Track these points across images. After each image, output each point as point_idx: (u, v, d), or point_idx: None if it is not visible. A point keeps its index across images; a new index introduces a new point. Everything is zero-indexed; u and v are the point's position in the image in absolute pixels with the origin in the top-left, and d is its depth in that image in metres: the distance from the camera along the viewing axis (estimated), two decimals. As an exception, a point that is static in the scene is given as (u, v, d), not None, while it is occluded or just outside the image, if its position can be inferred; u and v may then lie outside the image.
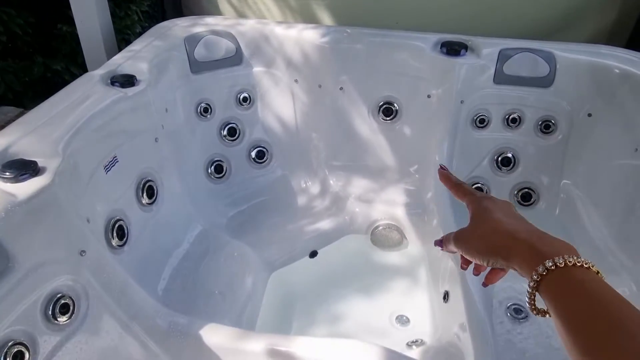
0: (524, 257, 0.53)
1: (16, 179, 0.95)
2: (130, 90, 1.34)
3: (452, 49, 1.73)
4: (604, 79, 1.67)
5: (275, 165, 1.94)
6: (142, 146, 1.40)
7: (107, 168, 1.25)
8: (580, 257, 0.50)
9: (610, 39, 1.91)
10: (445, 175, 0.72)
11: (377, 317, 1.55)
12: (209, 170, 1.84)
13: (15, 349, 0.88)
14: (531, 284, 0.50)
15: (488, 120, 1.81)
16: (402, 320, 1.54)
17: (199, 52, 1.73)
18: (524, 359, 1.22)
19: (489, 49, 1.74)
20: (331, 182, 1.89)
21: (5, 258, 0.88)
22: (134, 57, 1.49)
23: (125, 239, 1.30)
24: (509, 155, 1.84)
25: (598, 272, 0.49)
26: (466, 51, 1.75)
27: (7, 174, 0.95)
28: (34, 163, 0.99)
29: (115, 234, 1.26)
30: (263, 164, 1.93)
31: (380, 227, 1.77)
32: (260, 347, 1.08)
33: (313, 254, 1.69)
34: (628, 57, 1.67)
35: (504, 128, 1.82)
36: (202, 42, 1.73)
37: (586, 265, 0.49)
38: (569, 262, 0.49)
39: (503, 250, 0.56)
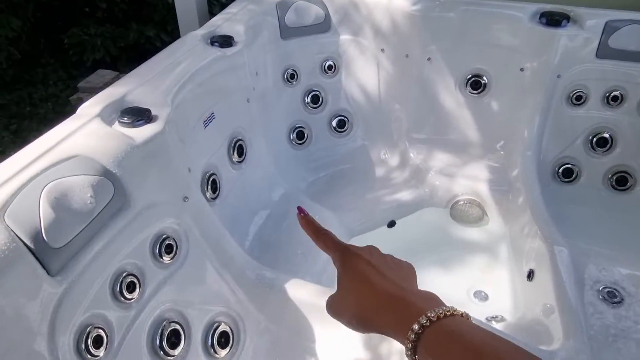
0: (395, 327, 0.48)
1: (133, 125, 1.02)
2: (228, 50, 1.39)
3: (553, 19, 1.64)
4: None
5: (355, 134, 1.95)
6: (236, 105, 1.46)
7: (206, 123, 1.31)
8: (444, 308, 0.46)
9: None
10: (306, 221, 0.61)
11: (455, 291, 1.53)
12: (291, 137, 1.88)
13: (129, 279, 0.96)
14: (407, 352, 0.46)
15: (586, 97, 1.70)
16: (481, 296, 1.51)
17: (290, 18, 1.75)
18: (617, 345, 1.16)
19: (593, 20, 1.63)
20: (411, 154, 1.87)
21: (123, 195, 0.95)
22: (231, 19, 1.54)
23: (217, 193, 1.37)
24: (606, 135, 1.72)
25: (462, 314, 0.46)
26: (568, 22, 1.65)
27: (125, 119, 1.02)
28: (148, 111, 1.05)
29: (209, 187, 1.33)
30: (344, 133, 1.94)
31: (461, 202, 1.73)
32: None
33: (391, 224, 1.69)
34: None
35: (602, 106, 1.71)
36: (293, 8, 1.75)
37: (449, 314, 0.46)
38: (433, 317, 0.45)
39: (374, 322, 0.51)
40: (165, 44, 2.79)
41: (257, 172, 1.58)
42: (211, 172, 1.35)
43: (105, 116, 1.02)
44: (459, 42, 1.76)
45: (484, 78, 1.79)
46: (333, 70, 1.89)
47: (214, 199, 1.35)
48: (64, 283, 0.80)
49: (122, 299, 0.94)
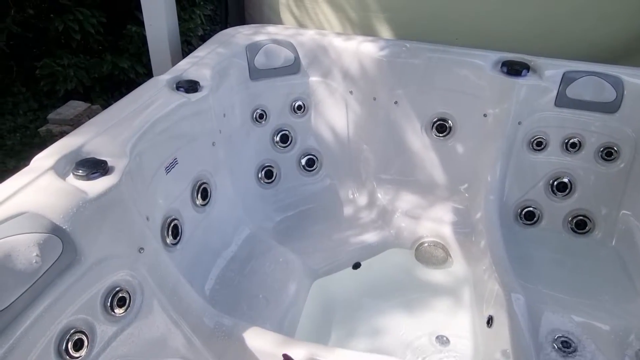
0: None
1: (88, 177, 1.02)
2: (193, 96, 1.40)
3: (513, 69, 1.70)
4: (675, 108, 1.59)
5: (324, 174, 1.97)
6: (200, 149, 1.46)
7: (168, 169, 1.31)
8: None
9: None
10: None
11: (417, 335, 1.54)
12: (259, 175, 1.89)
13: (76, 337, 0.94)
14: None
15: (546, 144, 1.76)
16: (442, 340, 1.52)
17: (259, 60, 1.78)
18: (569, 396, 1.18)
19: (552, 70, 1.69)
20: (379, 195, 1.89)
21: (73, 251, 0.94)
22: (199, 63, 1.56)
23: (178, 238, 1.36)
24: (566, 180, 1.77)
25: None
26: (528, 71, 1.71)
27: (80, 171, 1.02)
28: (104, 162, 1.05)
29: (170, 233, 1.32)
30: (312, 172, 1.96)
31: (426, 244, 1.75)
32: (300, 355, 1.10)
33: (356, 266, 1.70)
34: None
35: (562, 152, 1.76)
36: (263, 51, 1.78)
37: None
38: None
39: None
40: (139, 76, 2.81)
41: (222, 214, 1.58)
42: (173, 217, 1.34)
43: (59, 169, 1.02)
44: (424, 87, 1.81)
45: (449, 122, 1.83)
46: (302, 110, 1.92)
47: (175, 244, 1.35)
48: (3, 347, 0.79)
49: (68, 358, 0.92)
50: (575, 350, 1.28)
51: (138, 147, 1.17)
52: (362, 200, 1.91)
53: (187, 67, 1.53)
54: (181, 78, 1.46)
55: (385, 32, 1.98)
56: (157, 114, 1.27)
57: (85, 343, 0.96)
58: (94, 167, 1.03)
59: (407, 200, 1.86)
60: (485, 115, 1.78)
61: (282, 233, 1.76)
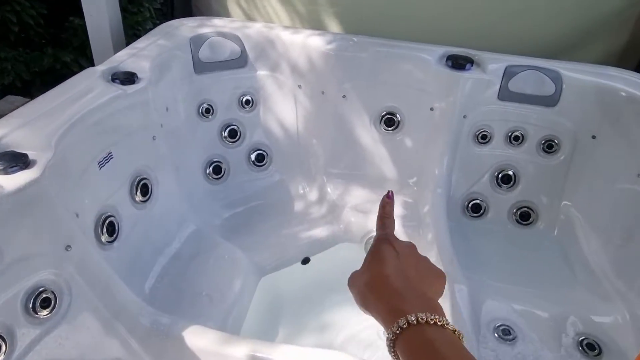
0: (385, 317, 0.53)
1: (5, 171, 0.95)
2: (129, 88, 1.34)
3: (458, 63, 1.72)
4: (610, 102, 1.65)
5: (274, 169, 1.94)
6: (139, 144, 1.41)
7: (101, 164, 1.25)
8: (437, 316, 0.49)
9: (621, 61, 1.88)
10: (384, 203, 0.65)
11: (365, 329, 1.54)
12: (207, 171, 1.84)
13: (-8, 341, 0.88)
14: (388, 343, 0.51)
15: (490, 137, 1.79)
16: (390, 333, 1.52)
17: (204, 53, 1.73)
18: (509, 382, 1.20)
19: (495, 64, 1.73)
20: (329, 189, 1.89)
21: (-12, 249, 0.88)
22: (137, 55, 1.50)
23: (115, 235, 1.30)
24: (510, 172, 1.82)
25: (455, 331, 0.49)
26: (472, 66, 1.74)
27: (-3, 165, 0.95)
28: (25, 156, 0.99)
29: (105, 230, 1.26)
30: (262, 167, 1.93)
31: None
32: (242, 353, 1.07)
33: (305, 261, 1.68)
34: (636, 81, 1.65)
35: (506, 145, 1.80)
36: (207, 43, 1.74)
37: (440, 324, 0.48)
38: (422, 319, 0.48)
39: (371, 305, 0.56)
40: (83, 70, 2.69)
41: (165, 211, 1.52)
42: (108, 214, 1.28)
43: (-26, 163, 0.95)
44: (372, 80, 1.81)
45: (397, 116, 1.84)
46: (251, 104, 1.89)
47: (111, 242, 1.29)
48: None
49: (-18, 363, 0.86)
50: (515, 338, 1.31)
51: (65, 140, 1.11)
52: (313, 195, 1.90)
53: (125, 58, 1.47)
54: (118, 69, 1.40)
55: (334, 26, 1.97)
56: (89, 106, 1.21)
57: (3, 348, 0.90)
58: (13, 161, 0.97)
59: (356, 195, 1.86)
60: (432, 109, 1.79)
61: (230, 230, 1.72)
